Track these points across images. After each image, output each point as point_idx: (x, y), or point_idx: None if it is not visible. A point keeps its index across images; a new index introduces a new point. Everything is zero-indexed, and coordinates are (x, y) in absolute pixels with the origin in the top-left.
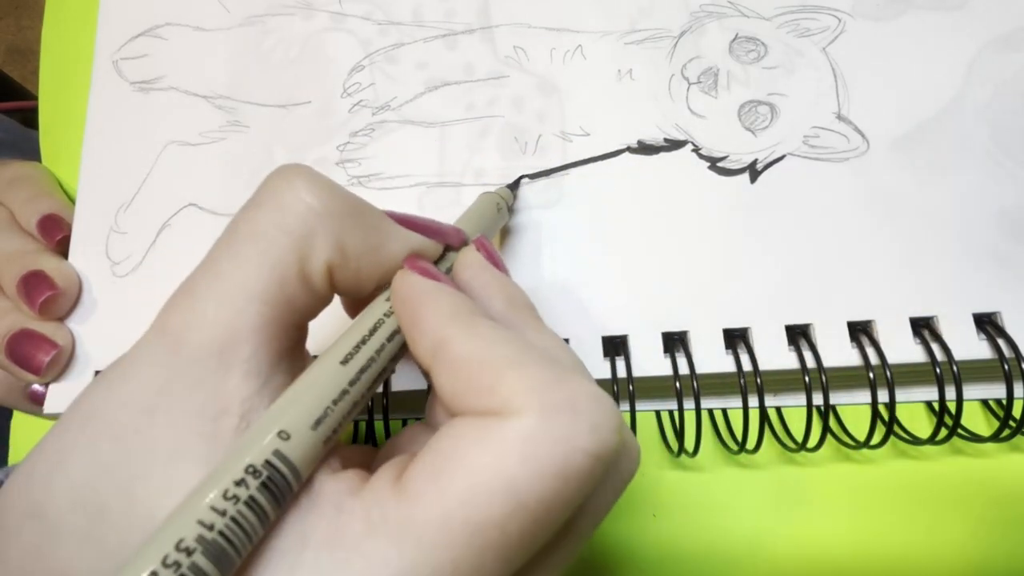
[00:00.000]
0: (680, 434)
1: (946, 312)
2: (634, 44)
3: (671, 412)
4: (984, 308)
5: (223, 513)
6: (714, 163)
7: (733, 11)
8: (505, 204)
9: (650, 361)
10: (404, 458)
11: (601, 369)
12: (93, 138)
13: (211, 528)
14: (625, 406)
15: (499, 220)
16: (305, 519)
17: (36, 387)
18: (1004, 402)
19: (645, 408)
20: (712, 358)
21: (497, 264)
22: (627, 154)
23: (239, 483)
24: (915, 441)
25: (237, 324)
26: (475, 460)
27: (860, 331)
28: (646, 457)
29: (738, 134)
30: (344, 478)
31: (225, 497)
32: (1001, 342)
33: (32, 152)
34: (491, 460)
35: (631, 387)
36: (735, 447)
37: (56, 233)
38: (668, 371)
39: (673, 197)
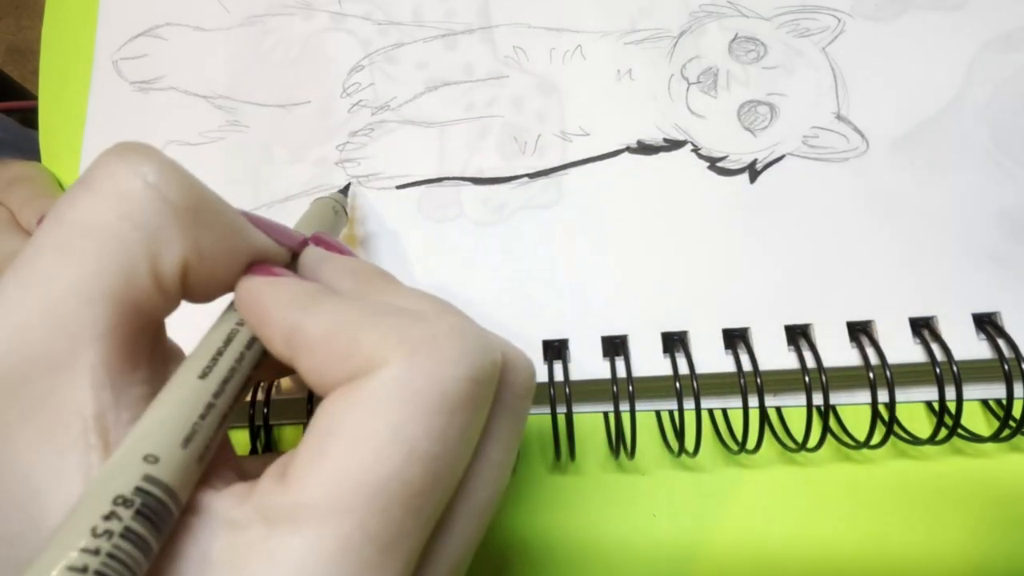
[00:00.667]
0: (680, 434)
1: (946, 312)
2: (634, 44)
3: (671, 412)
4: (984, 308)
5: (96, 552)
6: (714, 163)
7: (733, 11)
8: (341, 207)
9: (650, 361)
10: (289, 454)
11: (601, 369)
12: (93, 138)
13: (84, 570)
14: (625, 406)
15: (337, 223)
16: (200, 541)
17: None
18: (1004, 402)
19: (645, 408)
20: (712, 358)
21: (341, 251)
22: (626, 154)
23: (109, 516)
24: (915, 441)
25: (72, 331)
26: (353, 422)
27: (860, 331)
28: (646, 457)
29: (738, 134)
30: (230, 492)
31: (95, 535)
32: (1001, 342)
33: (32, 152)
34: (368, 415)
35: (631, 387)
36: (735, 447)
37: None
38: (668, 371)
39: (672, 197)
